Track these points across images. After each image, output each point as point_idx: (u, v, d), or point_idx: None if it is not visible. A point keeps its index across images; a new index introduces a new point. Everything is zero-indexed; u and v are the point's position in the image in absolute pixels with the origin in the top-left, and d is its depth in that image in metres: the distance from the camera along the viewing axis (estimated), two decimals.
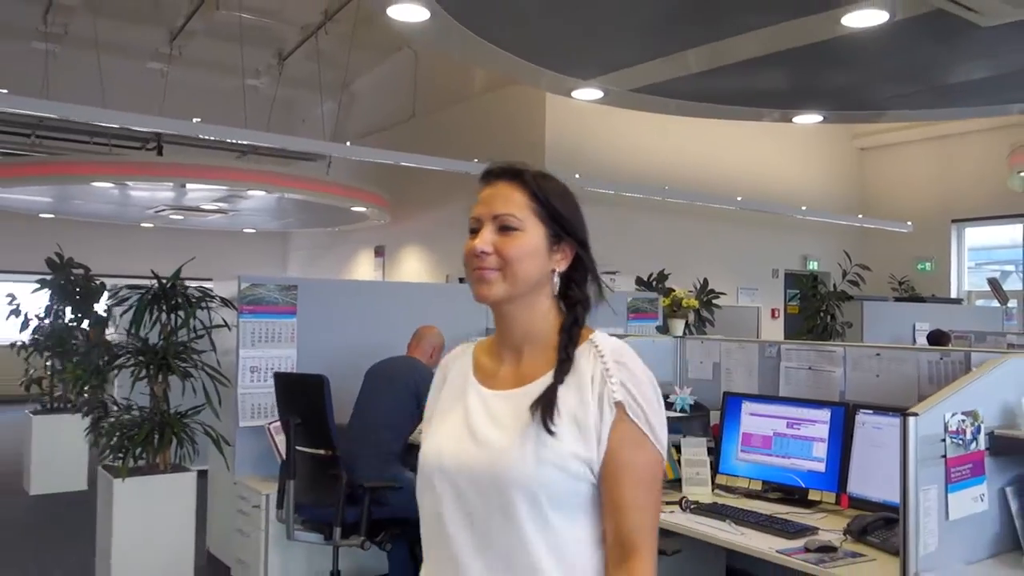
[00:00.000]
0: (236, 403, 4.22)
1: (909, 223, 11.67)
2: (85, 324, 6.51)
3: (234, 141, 10.66)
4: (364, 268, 12.65)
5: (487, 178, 1.31)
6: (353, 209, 10.59)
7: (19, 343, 6.69)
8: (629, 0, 5.41)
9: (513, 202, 1.26)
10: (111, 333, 6.48)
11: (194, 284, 4.45)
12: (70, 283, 6.44)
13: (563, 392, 1.22)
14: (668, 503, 2.92)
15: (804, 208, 10.93)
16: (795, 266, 12.05)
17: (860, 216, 11.94)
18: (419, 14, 5.42)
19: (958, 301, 11.19)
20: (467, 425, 1.25)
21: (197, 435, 4.22)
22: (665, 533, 2.74)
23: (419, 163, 8.82)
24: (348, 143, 10.62)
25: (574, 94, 7.42)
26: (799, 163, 12.12)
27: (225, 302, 4.32)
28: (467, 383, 1.31)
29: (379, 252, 12.16)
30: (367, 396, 3.89)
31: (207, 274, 6.12)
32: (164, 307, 4.26)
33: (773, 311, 11.54)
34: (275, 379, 3.84)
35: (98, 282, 6.66)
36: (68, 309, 6.50)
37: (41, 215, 11.96)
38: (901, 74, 6.85)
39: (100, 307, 6.62)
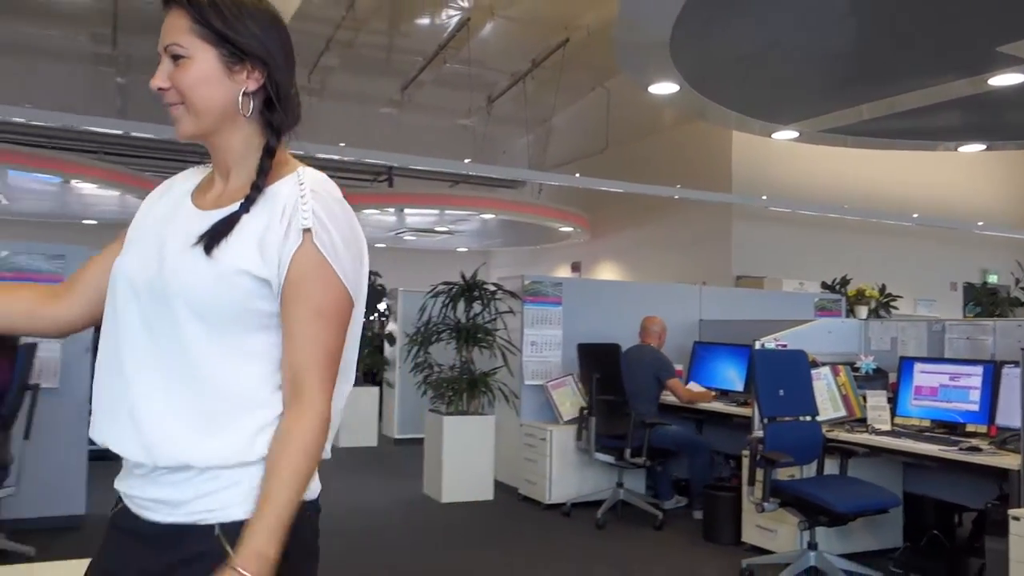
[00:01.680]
0: (521, 368, 5.82)
1: None
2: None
3: (449, 172, 12.75)
4: None
5: (164, 6, 1.19)
6: (560, 229, 12.23)
7: None
8: (819, 67, 7.03)
9: (178, 29, 1.16)
10: (392, 326, 8.38)
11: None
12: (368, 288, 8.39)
13: (249, 219, 1.17)
14: (857, 430, 4.20)
15: (980, 223, 11.46)
16: (974, 279, 12.49)
17: None
18: (671, 88, 7.56)
19: None
20: (160, 238, 1.20)
21: (492, 390, 5.83)
22: (854, 447, 4.03)
23: (616, 188, 10.33)
24: (550, 171, 12.33)
25: (775, 136, 9.29)
26: (974, 179, 12.59)
27: (511, 294, 5.92)
28: (183, 200, 1.26)
29: (576, 267, 13.74)
30: (625, 373, 5.34)
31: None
32: (468, 298, 5.92)
33: None
34: (579, 348, 5.46)
35: (379, 286, 8.57)
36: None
37: None
38: None
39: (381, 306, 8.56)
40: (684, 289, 7.00)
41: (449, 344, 5.88)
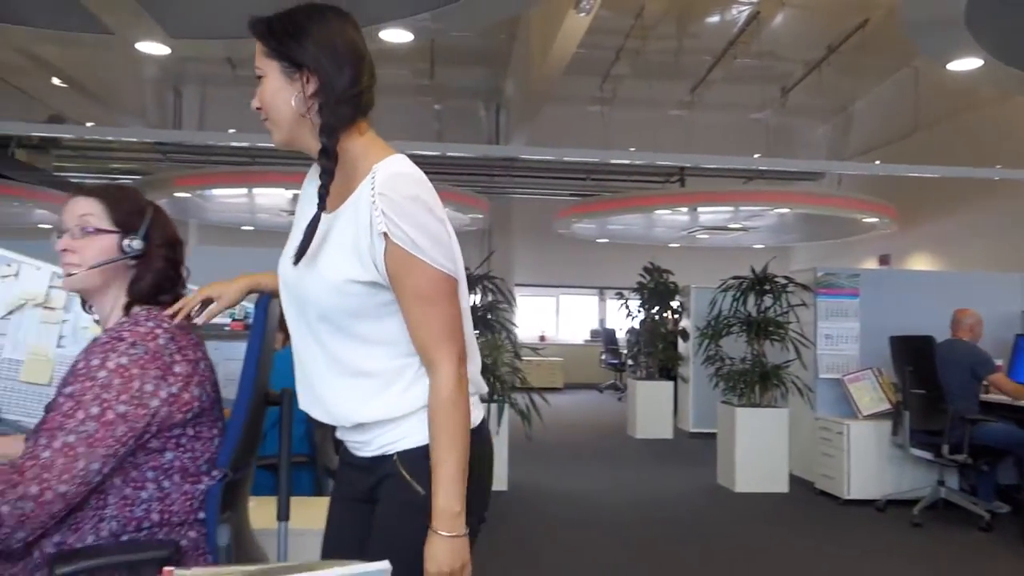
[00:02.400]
0: (815, 361, 5.76)
1: None
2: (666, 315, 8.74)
3: (741, 168, 12.58)
4: None
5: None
6: (864, 220, 11.58)
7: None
8: None
9: (258, 54, 1.36)
10: (685, 322, 8.58)
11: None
12: (659, 286, 8.69)
13: (342, 222, 1.33)
14: None
15: None
16: None
17: None
18: (974, 64, 6.88)
19: None
20: (295, 239, 1.39)
21: (785, 383, 5.82)
22: None
23: (925, 173, 9.54)
24: (849, 160, 11.69)
25: None
26: None
27: (803, 287, 5.87)
28: (315, 196, 1.36)
29: (884, 260, 12.86)
30: (939, 368, 5.09)
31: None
32: (758, 291, 5.97)
33: None
34: (891, 340, 5.34)
35: (672, 284, 8.81)
36: (656, 307, 8.78)
37: (598, 240, 15.07)
38: None
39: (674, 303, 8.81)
40: (1002, 278, 6.40)
41: (740, 337, 5.97)
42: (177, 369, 1.53)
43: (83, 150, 12.61)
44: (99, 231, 1.56)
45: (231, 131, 10.22)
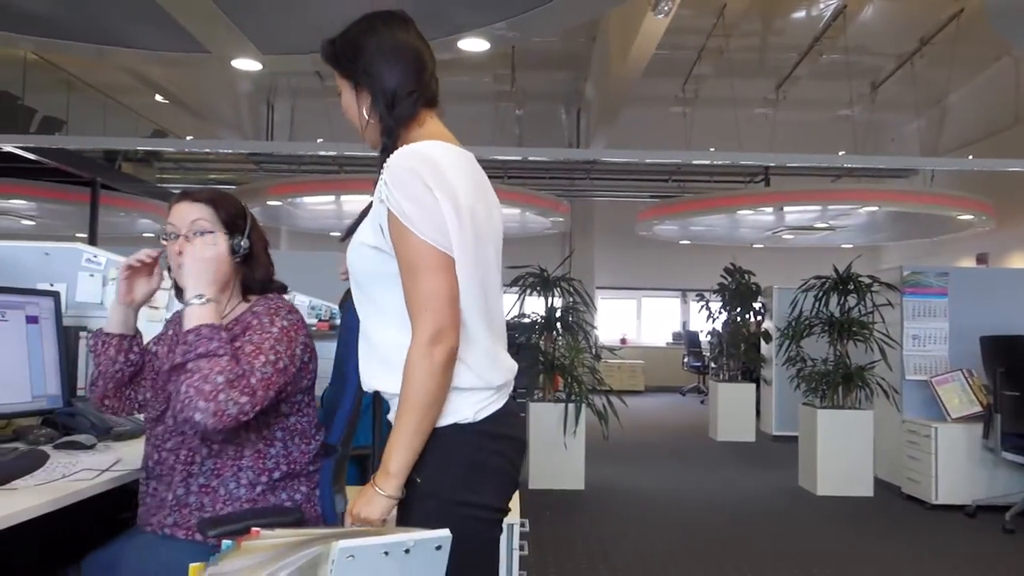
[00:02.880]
0: (901, 362, 5.62)
1: None
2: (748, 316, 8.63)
3: (828, 166, 12.26)
4: None
5: None
6: (959, 218, 11.15)
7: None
8: None
9: (335, 72, 1.57)
10: (767, 324, 8.47)
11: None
12: (740, 287, 8.60)
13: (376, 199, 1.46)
14: None
15: None
16: None
17: None
18: None
19: None
20: None
21: (870, 385, 5.70)
22: None
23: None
24: (945, 155, 11.27)
25: None
26: None
27: (888, 286, 5.74)
28: None
29: (982, 259, 12.34)
30: None
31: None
32: (841, 291, 5.86)
33: None
34: (981, 341, 5.21)
35: (754, 285, 8.70)
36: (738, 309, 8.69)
37: (680, 241, 14.96)
38: None
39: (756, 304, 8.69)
40: None
41: (822, 338, 5.89)
42: (307, 342, 1.81)
43: (183, 162, 13.31)
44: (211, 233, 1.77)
45: (319, 141, 10.61)
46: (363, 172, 10.90)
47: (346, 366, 1.86)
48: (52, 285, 2.56)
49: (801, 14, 10.93)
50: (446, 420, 1.41)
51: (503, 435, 1.49)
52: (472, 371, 1.44)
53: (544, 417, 5.68)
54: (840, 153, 11.03)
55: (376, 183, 1.46)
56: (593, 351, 6.37)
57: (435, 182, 1.40)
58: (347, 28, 1.56)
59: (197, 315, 1.62)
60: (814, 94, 13.15)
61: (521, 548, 2.63)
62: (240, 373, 1.57)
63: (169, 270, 1.87)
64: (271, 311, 1.77)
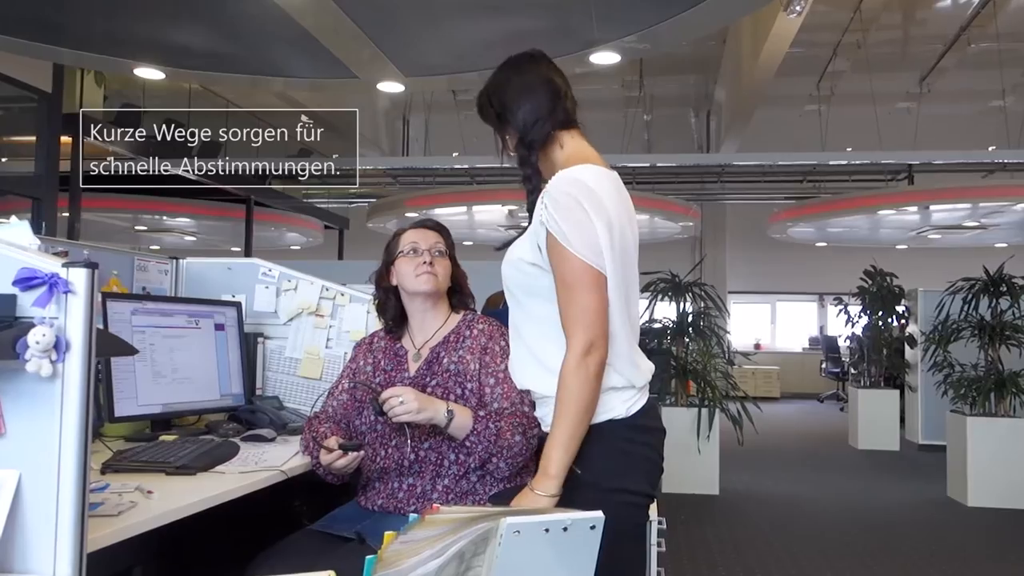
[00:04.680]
0: None
1: None
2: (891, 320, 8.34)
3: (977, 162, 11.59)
4: None
5: None
6: None
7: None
8: None
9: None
10: (912, 328, 8.14)
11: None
12: (882, 290, 8.32)
13: (534, 218, 1.61)
14: None
15: None
16: None
17: None
18: None
19: None
20: None
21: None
22: None
23: None
24: None
25: None
26: None
27: None
28: None
29: None
30: None
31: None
32: (993, 293, 5.60)
33: None
34: None
35: (896, 288, 8.38)
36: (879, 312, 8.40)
37: (817, 244, 14.49)
38: None
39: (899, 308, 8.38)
40: None
41: (971, 343, 5.64)
42: None
43: (326, 178, 14.05)
44: (446, 255, 2.05)
45: (454, 155, 11.01)
46: (496, 184, 11.21)
47: None
48: (234, 296, 2.86)
49: (947, 2, 10.45)
50: (602, 417, 1.56)
51: (649, 427, 1.64)
52: (619, 374, 1.58)
53: (677, 421, 5.71)
54: (990, 148, 10.42)
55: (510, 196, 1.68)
56: (726, 356, 6.34)
57: (591, 205, 1.54)
58: (488, 81, 1.76)
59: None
60: (962, 86, 12.49)
61: (659, 545, 2.73)
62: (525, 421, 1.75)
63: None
64: (499, 333, 1.92)
